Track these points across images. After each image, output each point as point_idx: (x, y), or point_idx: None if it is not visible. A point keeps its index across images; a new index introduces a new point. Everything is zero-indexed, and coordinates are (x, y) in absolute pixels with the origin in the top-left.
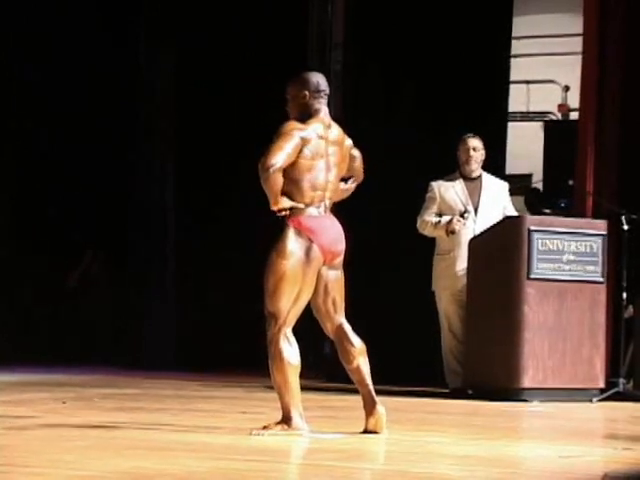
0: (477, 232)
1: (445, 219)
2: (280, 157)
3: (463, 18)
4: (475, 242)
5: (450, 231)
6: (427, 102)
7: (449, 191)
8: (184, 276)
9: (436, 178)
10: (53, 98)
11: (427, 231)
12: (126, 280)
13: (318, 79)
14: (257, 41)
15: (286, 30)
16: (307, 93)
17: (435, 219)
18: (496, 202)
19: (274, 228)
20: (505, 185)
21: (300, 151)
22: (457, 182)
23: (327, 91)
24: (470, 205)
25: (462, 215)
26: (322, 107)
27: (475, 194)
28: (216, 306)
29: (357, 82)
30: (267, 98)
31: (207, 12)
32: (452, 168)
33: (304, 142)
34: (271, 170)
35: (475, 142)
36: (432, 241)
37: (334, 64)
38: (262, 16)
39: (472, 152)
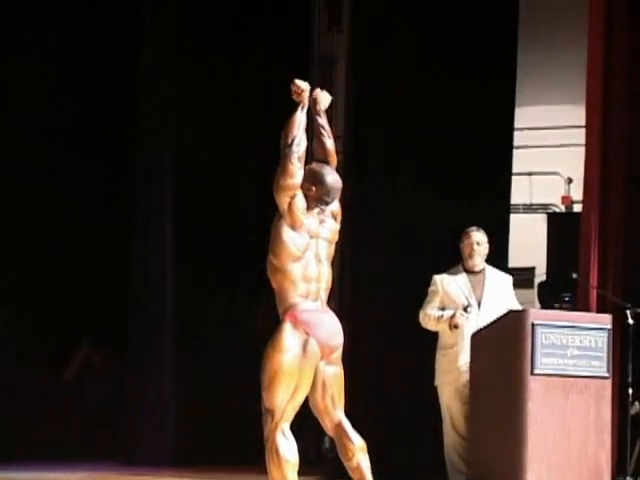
0: (480, 326)
1: (448, 313)
2: (294, 133)
3: (465, 108)
4: (478, 336)
5: (453, 325)
6: (429, 193)
7: (452, 285)
8: (183, 373)
9: (439, 271)
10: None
11: (430, 325)
12: (123, 372)
13: (333, 189)
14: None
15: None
16: (314, 190)
17: (438, 313)
18: (499, 296)
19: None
20: (509, 278)
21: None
22: (460, 276)
23: (331, 203)
24: (473, 299)
25: (465, 309)
26: (316, 209)
27: (478, 287)
28: (215, 401)
29: (360, 171)
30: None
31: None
32: (454, 261)
33: (295, 207)
34: (287, 149)
35: (479, 236)
36: (435, 335)
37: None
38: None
39: (476, 246)
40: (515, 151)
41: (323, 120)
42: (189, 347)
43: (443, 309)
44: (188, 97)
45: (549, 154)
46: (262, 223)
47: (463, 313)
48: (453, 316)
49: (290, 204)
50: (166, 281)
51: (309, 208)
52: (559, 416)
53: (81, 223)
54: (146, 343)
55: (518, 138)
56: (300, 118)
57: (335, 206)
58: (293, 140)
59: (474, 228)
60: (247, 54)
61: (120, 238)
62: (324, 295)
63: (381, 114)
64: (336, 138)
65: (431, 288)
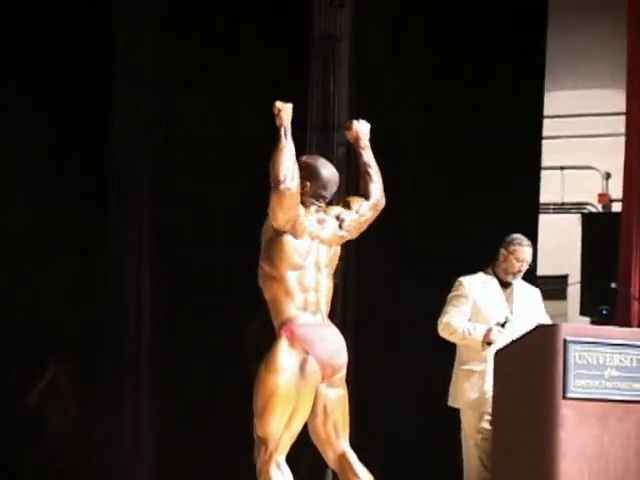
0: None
1: (481, 329)
2: (285, 169)
3: (486, 94)
4: (502, 355)
5: (487, 342)
6: (443, 191)
7: (482, 293)
8: (164, 400)
9: (455, 279)
10: None
11: (453, 337)
12: (94, 397)
13: (329, 182)
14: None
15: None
16: (308, 185)
17: (467, 326)
18: (529, 310)
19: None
20: (537, 292)
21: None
22: (493, 284)
23: (329, 198)
24: (509, 312)
25: (503, 325)
26: (313, 207)
27: (509, 300)
28: (201, 432)
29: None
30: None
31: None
32: (473, 268)
33: (299, 223)
34: (281, 186)
35: (530, 254)
36: (452, 347)
37: (337, 147)
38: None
39: (524, 265)
40: (545, 142)
41: (367, 155)
42: (171, 369)
43: (469, 320)
44: (177, 78)
45: (584, 145)
46: (258, 228)
47: (501, 329)
48: (488, 332)
49: (294, 223)
50: (143, 292)
51: (306, 206)
52: (595, 447)
53: (45, 229)
54: (121, 364)
55: (548, 127)
56: (287, 146)
57: (349, 217)
58: (286, 177)
59: (526, 242)
60: (240, 31)
61: (91, 243)
62: (325, 306)
63: (389, 100)
64: (337, 127)
65: (456, 292)
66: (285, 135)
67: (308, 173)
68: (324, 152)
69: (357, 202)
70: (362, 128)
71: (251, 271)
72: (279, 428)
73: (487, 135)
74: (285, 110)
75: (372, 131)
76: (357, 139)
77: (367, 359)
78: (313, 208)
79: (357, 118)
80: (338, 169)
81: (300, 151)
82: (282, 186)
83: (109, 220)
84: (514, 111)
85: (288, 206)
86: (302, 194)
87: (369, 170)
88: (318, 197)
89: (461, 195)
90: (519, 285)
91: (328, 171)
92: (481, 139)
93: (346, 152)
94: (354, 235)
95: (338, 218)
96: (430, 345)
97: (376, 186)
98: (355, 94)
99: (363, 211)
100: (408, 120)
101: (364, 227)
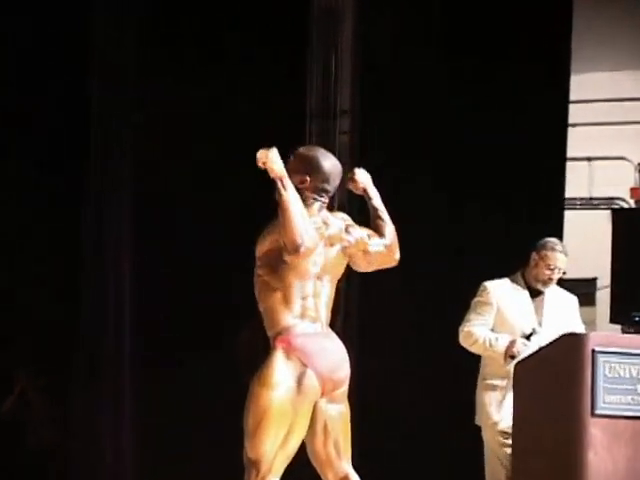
0: None
1: (504, 340)
2: (300, 231)
3: (504, 76)
4: (523, 366)
5: (509, 355)
6: (455, 187)
7: (509, 301)
8: (146, 416)
9: (470, 284)
10: None
11: (474, 347)
12: (68, 414)
13: (331, 175)
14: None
15: (284, 90)
16: (308, 180)
17: (489, 336)
18: (562, 321)
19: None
20: (574, 300)
21: None
22: (522, 292)
23: (332, 192)
24: (537, 323)
25: (529, 337)
26: (316, 203)
27: (539, 309)
28: (187, 453)
29: (371, 157)
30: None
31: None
32: (488, 273)
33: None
34: (302, 249)
35: (563, 261)
36: (471, 360)
37: (339, 135)
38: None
39: (557, 273)
40: (570, 130)
41: (377, 202)
42: (153, 381)
43: (492, 330)
44: (165, 67)
45: (614, 133)
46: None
47: (526, 342)
48: (512, 344)
49: None
50: (124, 296)
51: (307, 204)
52: (627, 470)
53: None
54: (98, 375)
55: (574, 113)
56: (291, 201)
57: (358, 229)
58: (303, 239)
59: (560, 247)
60: (234, 8)
61: (65, 245)
62: (325, 314)
63: (395, 84)
64: (339, 114)
65: (480, 298)
66: (284, 187)
67: (307, 166)
68: (325, 142)
69: (370, 231)
70: (365, 179)
71: (232, 270)
72: (273, 449)
73: (504, 123)
74: (271, 159)
75: (379, 115)
76: (364, 189)
77: (369, 370)
78: (316, 205)
79: (361, 104)
80: (340, 160)
81: (299, 141)
82: (302, 249)
83: (84, 219)
84: (536, 97)
85: (309, 257)
86: (302, 190)
87: (381, 214)
88: (320, 192)
89: (477, 190)
90: (552, 293)
91: (329, 162)
92: (497, 128)
93: (349, 141)
94: (362, 263)
95: (344, 221)
96: (443, 355)
97: (390, 228)
98: (359, 77)
99: (375, 241)
100: (417, 105)
101: (373, 263)
